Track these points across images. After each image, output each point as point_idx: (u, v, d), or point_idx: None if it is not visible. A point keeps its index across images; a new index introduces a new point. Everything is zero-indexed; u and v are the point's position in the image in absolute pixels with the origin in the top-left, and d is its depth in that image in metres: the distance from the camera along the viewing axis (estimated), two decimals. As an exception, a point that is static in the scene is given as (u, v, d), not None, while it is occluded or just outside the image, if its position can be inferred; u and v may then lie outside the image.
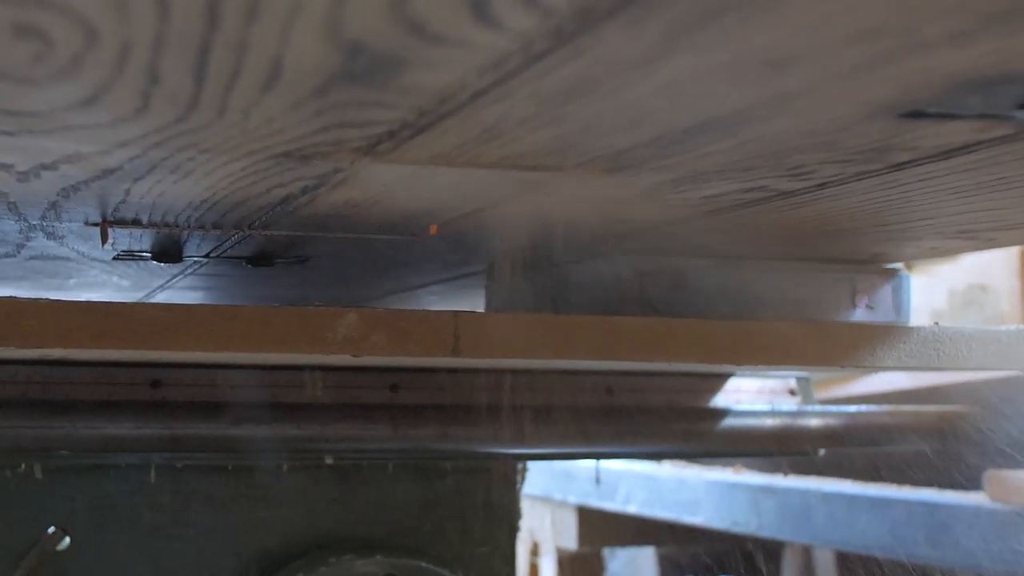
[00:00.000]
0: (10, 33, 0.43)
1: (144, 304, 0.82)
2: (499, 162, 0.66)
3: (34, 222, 0.89)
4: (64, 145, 0.62)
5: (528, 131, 0.59)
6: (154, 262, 1.06)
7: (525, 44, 0.45)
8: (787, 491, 1.54)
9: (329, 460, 1.27)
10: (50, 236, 0.95)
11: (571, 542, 2.05)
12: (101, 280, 1.28)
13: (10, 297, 0.77)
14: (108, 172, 0.69)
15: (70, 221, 0.88)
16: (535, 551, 2.14)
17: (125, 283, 1.31)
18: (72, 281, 1.30)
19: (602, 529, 2.04)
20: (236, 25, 0.42)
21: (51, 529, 1.25)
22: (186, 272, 1.20)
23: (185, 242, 0.98)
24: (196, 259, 1.07)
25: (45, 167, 0.68)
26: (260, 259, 1.07)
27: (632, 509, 1.85)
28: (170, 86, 0.50)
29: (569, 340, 0.86)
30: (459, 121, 0.57)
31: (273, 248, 1.03)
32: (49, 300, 0.78)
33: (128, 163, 0.66)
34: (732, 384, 1.33)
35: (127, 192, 0.76)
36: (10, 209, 0.83)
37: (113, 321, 0.79)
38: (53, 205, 0.81)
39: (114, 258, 1.06)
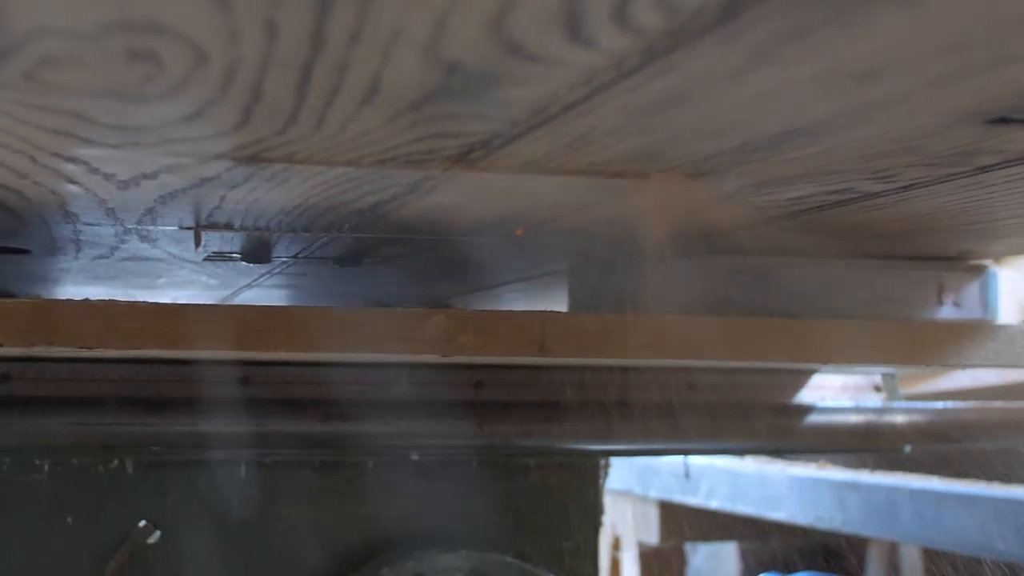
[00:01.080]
0: (124, 57, 0.46)
1: (239, 306, 0.84)
2: (586, 169, 0.68)
3: (130, 226, 0.92)
4: (166, 157, 0.64)
5: (616, 140, 0.61)
6: (243, 263, 1.09)
7: (617, 61, 0.46)
8: (872, 487, 1.55)
9: (415, 456, 1.30)
10: (144, 239, 0.98)
11: (653, 537, 2.07)
12: (190, 279, 1.31)
13: (111, 300, 0.80)
14: (205, 181, 0.72)
15: (165, 225, 0.91)
16: (616, 546, 2.15)
17: (213, 282, 1.34)
18: (161, 280, 1.33)
19: (684, 524, 2.05)
20: (339, 48, 0.44)
21: (142, 523, 1.28)
22: (272, 272, 1.23)
23: (274, 244, 1.01)
24: (284, 259, 1.10)
25: (146, 176, 0.70)
26: (347, 259, 1.10)
27: (715, 504, 1.85)
28: (272, 102, 0.53)
29: (656, 340, 0.87)
30: (550, 131, 0.58)
31: (360, 249, 1.05)
32: (148, 303, 0.81)
33: (226, 172, 0.69)
34: (816, 380, 1.33)
35: (222, 199, 0.78)
36: (108, 214, 0.86)
37: (209, 323, 0.82)
38: (150, 211, 0.84)
39: (205, 259, 1.09)
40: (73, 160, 0.65)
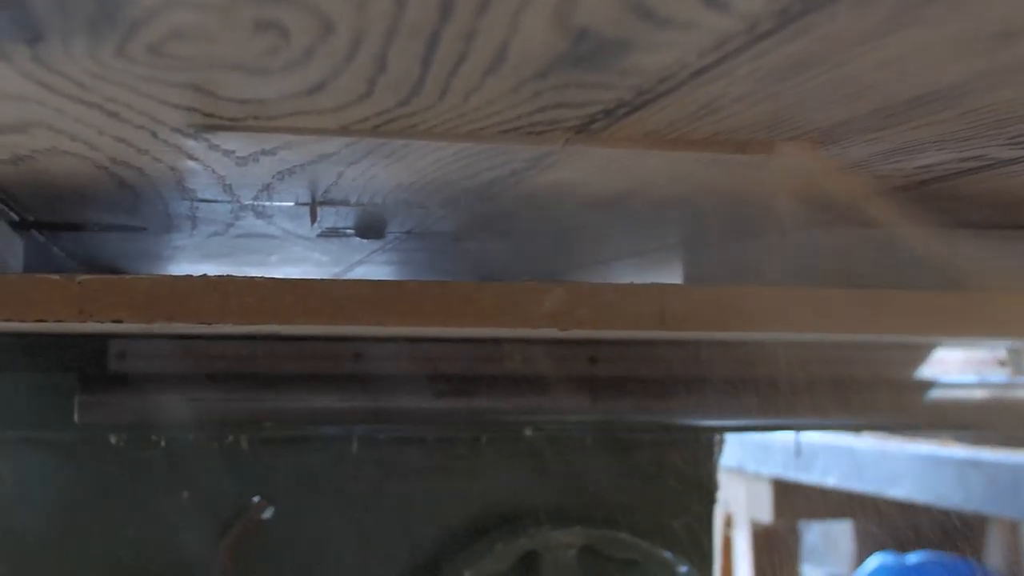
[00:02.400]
0: (250, 28, 0.46)
1: (355, 281, 0.84)
2: (711, 137, 0.67)
3: (246, 202, 0.93)
4: (286, 132, 0.65)
5: (744, 107, 0.60)
6: (356, 238, 1.09)
7: (750, 25, 0.46)
8: (996, 465, 1.52)
9: (528, 432, 1.30)
10: (259, 215, 0.99)
11: (766, 515, 2.05)
12: (302, 256, 1.32)
13: (230, 276, 0.81)
14: (324, 157, 0.72)
15: (281, 201, 0.91)
16: (729, 523, 2.14)
17: (325, 258, 1.35)
18: (274, 258, 1.34)
19: (798, 502, 2.03)
20: (468, 15, 0.44)
21: (256, 499, 1.30)
22: (384, 247, 1.23)
23: (388, 219, 1.01)
24: (396, 235, 1.10)
25: (264, 152, 0.71)
26: (459, 234, 1.10)
27: (831, 482, 1.84)
28: (396, 73, 0.52)
29: (779, 313, 0.86)
30: (676, 99, 0.58)
31: (473, 224, 1.05)
32: (266, 278, 0.82)
33: (345, 148, 0.69)
34: (938, 355, 1.31)
35: (340, 175, 0.79)
36: (225, 191, 0.87)
37: (326, 298, 0.82)
38: (267, 187, 0.84)
39: (318, 235, 1.09)
40: (193, 136, 0.66)
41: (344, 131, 0.64)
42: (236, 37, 0.47)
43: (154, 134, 0.66)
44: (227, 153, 0.71)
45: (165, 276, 0.84)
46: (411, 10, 0.43)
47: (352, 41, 0.47)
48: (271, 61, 0.50)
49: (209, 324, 0.83)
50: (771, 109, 0.61)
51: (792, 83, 0.55)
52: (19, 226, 1.04)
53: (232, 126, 0.63)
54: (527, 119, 0.62)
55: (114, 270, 1.48)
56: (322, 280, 0.84)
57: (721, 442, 1.42)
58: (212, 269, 1.44)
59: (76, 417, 1.17)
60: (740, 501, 2.09)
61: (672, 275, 1.37)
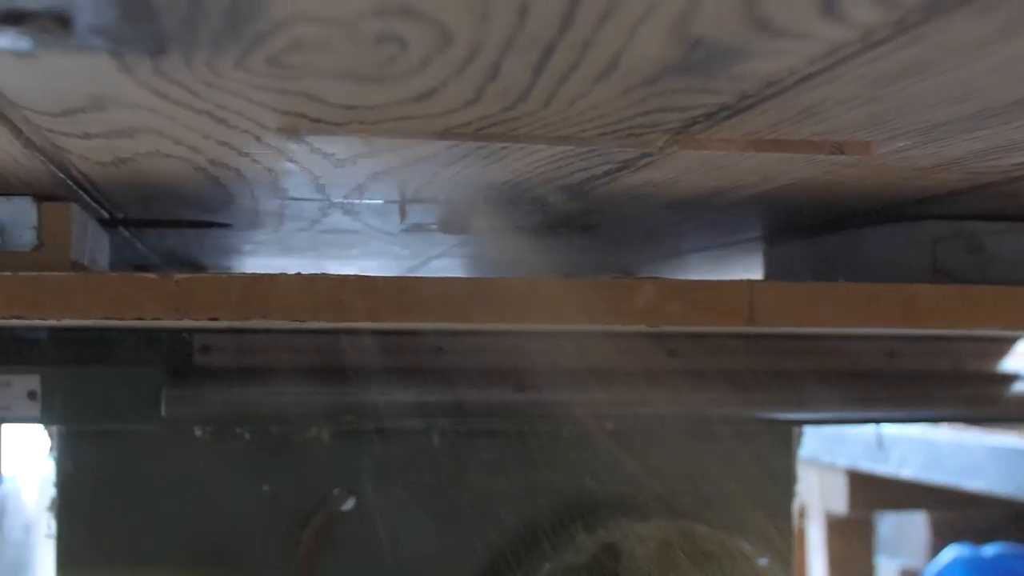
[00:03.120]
0: (372, 40, 0.47)
1: (444, 278, 0.85)
2: (809, 138, 0.68)
3: (336, 200, 0.94)
4: (388, 136, 0.66)
5: (845, 110, 0.61)
6: (439, 233, 1.10)
7: (864, 34, 0.46)
8: (1079, 457, 1.51)
9: (608, 425, 1.30)
10: (347, 212, 1.00)
11: (840, 506, 2.05)
12: (383, 250, 1.34)
13: (323, 274, 0.82)
14: (423, 159, 0.73)
15: (371, 199, 0.93)
16: (802, 514, 2.14)
17: (404, 252, 1.36)
18: (354, 251, 1.36)
19: (873, 493, 2.03)
20: (586, 27, 0.45)
21: (336, 490, 1.31)
22: (466, 241, 1.24)
23: (475, 215, 1.02)
24: (481, 230, 1.11)
25: (364, 155, 0.72)
26: (544, 229, 1.10)
27: (907, 473, 1.83)
28: (507, 81, 0.53)
29: (867, 309, 0.86)
30: (779, 103, 0.58)
31: (558, 219, 1.06)
32: (358, 276, 0.83)
33: (444, 151, 0.70)
34: (1021, 348, 1.31)
35: (434, 175, 0.80)
36: (317, 190, 0.88)
37: (417, 295, 0.83)
38: (359, 187, 0.86)
39: (403, 230, 1.11)
40: (296, 140, 0.67)
41: (445, 135, 0.65)
42: (356, 49, 0.48)
43: (258, 138, 0.67)
44: (327, 156, 0.72)
45: (260, 274, 0.85)
46: (532, 22, 0.44)
47: (469, 52, 0.48)
48: (385, 70, 0.52)
49: (303, 321, 0.84)
50: (872, 111, 0.61)
51: (898, 87, 0.56)
52: (107, 223, 1.07)
53: (337, 131, 0.64)
54: (628, 122, 0.63)
55: (196, 265, 1.50)
56: (414, 278, 0.85)
57: (800, 434, 1.42)
58: (293, 263, 1.47)
59: (163, 410, 1.19)
60: (814, 492, 2.09)
61: (753, 267, 1.37)
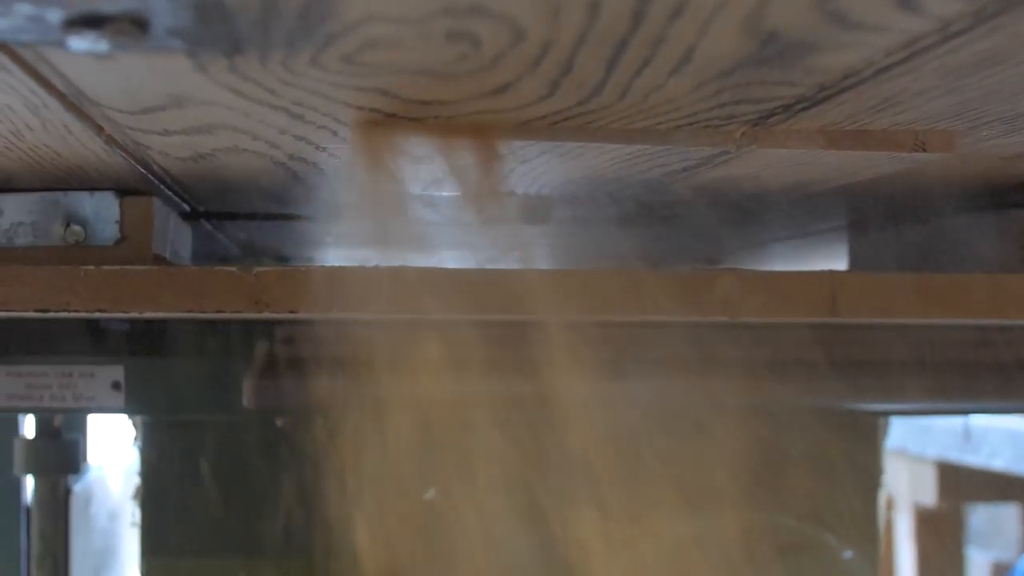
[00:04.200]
0: (443, 38, 0.47)
1: (525, 271, 0.86)
2: (887, 128, 0.67)
3: (413, 193, 0.95)
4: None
5: (926, 100, 0.60)
6: (519, 225, 1.11)
7: (942, 26, 0.46)
8: None
9: (691, 415, 1.30)
10: (426, 204, 1.01)
11: (929, 498, 2.03)
12: (460, 240, 1.34)
13: (403, 266, 0.83)
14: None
15: (450, 192, 0.93)
16: (890, 506, 2.12)
17: (483, 242, 1.37)
18: (435, 242, 1.37)
19: (963, 485, 2.00)
20: (658, 23, 0.45)
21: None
22: (545, 232, 1.25)
23: (553, 208, 1.03)
24: (560, 221, 1.11)
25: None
26: (623, 220, 1.11)
27: (998, 464, 1.81)
28: (580, 75, 0.54)
29: (954, 300, 0.86)
30: (857, 94, 0.58)
31: (637, 211, 1.06)
32: (439, 269, 0.84)
33: (520, 148, 0.70)
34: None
35: (512, 171, 0.80)
36: (396, 183, 0.89)
37: (504, 288, 0.84)
38: (437, 180, 0.86)
39: (482, 222, 1.11)
40: (372, 133, 0.68)
41: (521, 129, 0.66)
42: (428, 46, 0.49)
43: (335, 133, 0.68)
44: (403, 151, 0.73)
45: (338, 267, 0.86)
46: (603, 19, 0.45)
47: (541, 48, 0.49)
48: (459, 67, 0.52)
49: (383, 314, 0.86)
50: (953, 101, 0.61)
51: (978, 77, 0.55)
52: (189, 216, 1.08)
53: (413, 126, 0.65)
54: (704, 115, 0.63)
55: (279, 256, 1.52)
56: (497, 270, 0.86)
57: (886, 424, 1.41)
58: (370, 255, 1.48)
59: (244, 401, 1.21)
60: (902, 483, 2.07)
61: (836, 256, 1.36)
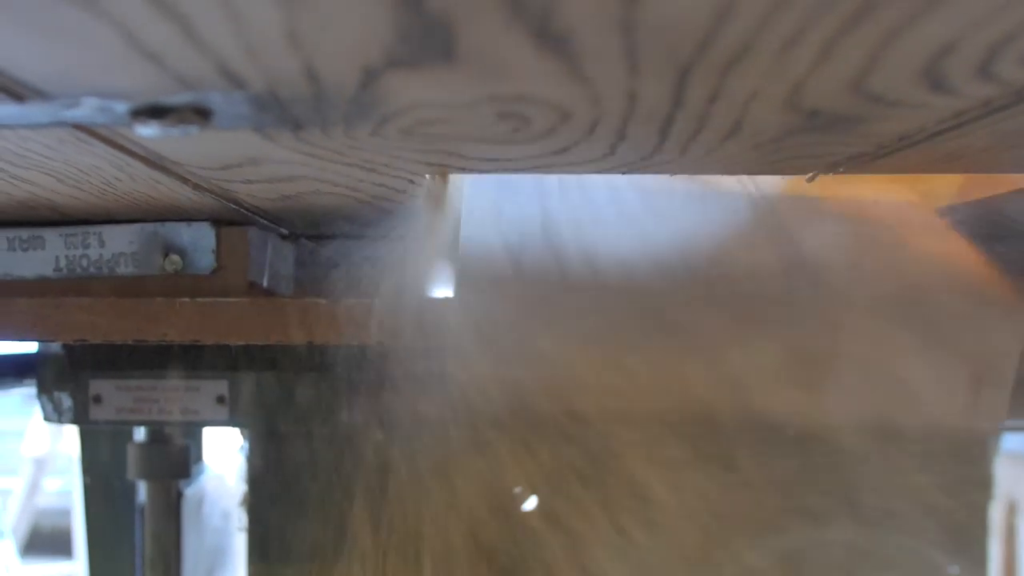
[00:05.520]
0: (494, 118, 0.50)
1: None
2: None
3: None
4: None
5: (988, 155, 0.61)
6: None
7: (984, 102, 0.47)
8: None
9: (791, 431, 1.31)
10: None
11: (1053, 503, 2.00)
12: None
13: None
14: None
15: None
16: (1012, 511, 2.10)
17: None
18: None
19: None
20: (698, 105, 0.47)
21: (517, 489, 1.35)
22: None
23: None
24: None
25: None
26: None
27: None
28: (635, 141, 0.56)
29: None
30: (918, 151, 0.59)
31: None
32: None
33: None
34: None
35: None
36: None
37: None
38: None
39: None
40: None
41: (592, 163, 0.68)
42: (480, 123, 0.51)
43: (411, 181, 0.70)
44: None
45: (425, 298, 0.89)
46: (643, 104, 0.47)
47: (590, 124, 0.51)
48: (514, 137, 0.54)
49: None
50: (1018, 154, 0.62)
51: (1038, 136, 0.56)
52: (289, 237, 1.12)
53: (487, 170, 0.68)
54: (770, 166, 0.64)
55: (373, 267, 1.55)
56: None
57: (997, 439, 1.40)
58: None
59: (344, 415, 1.25)
60: None
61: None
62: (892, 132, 0.53)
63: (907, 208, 0.84)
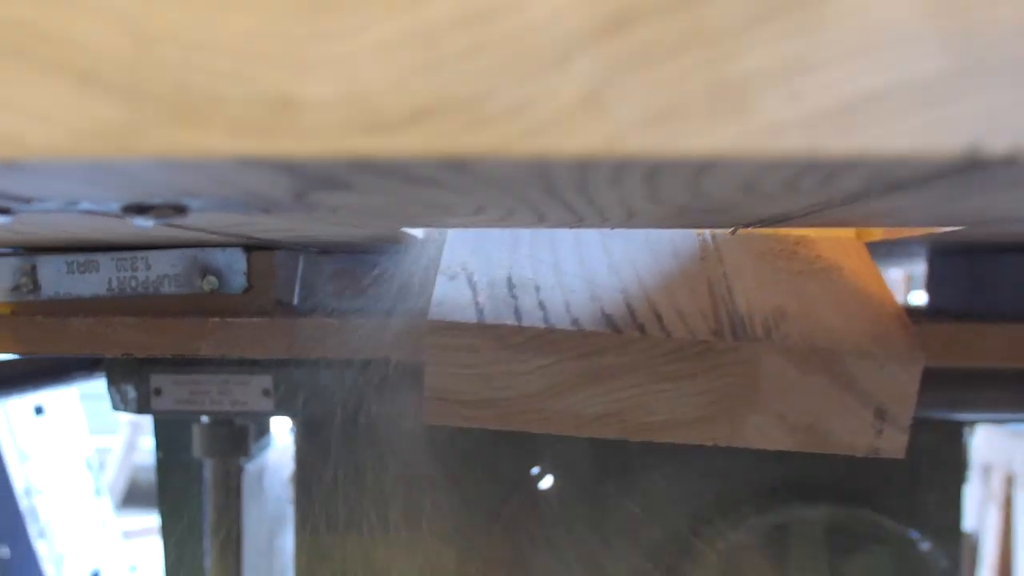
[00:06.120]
0: (420, 208, 0.56)
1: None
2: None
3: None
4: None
5: (877, 220, 0.66)
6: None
7: (843, 197, 0.52)
8: None
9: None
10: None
11: (1053, 475, 2.03)
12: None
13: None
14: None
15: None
16: (1009, 483, 2.12)
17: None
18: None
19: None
20: (591, 209, 0.53)
21: (535, 469, 1.41)
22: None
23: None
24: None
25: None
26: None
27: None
28: (556, 223, 0.61)
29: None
30: (807, 220, 0.64)
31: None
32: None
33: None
34: None
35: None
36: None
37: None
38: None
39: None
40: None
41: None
42: (408, 210, 0.57)
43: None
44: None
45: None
46: (551, 218, 0.53)
47: (508, 211, 0.57)
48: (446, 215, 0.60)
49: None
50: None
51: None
52: (323, 251, 1.19)
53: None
54: (687, 225, 0.70)
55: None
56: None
57: (972, 421, 1.43)
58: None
59: (379, 406, 1.31)
60: (1021, 461, 2.07)
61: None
62: (768, 213, 0.59)
63: (840, 246, 0.88)
